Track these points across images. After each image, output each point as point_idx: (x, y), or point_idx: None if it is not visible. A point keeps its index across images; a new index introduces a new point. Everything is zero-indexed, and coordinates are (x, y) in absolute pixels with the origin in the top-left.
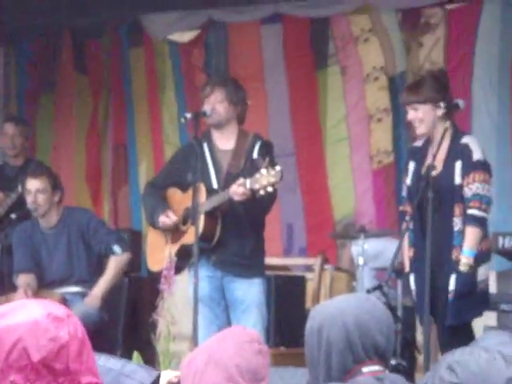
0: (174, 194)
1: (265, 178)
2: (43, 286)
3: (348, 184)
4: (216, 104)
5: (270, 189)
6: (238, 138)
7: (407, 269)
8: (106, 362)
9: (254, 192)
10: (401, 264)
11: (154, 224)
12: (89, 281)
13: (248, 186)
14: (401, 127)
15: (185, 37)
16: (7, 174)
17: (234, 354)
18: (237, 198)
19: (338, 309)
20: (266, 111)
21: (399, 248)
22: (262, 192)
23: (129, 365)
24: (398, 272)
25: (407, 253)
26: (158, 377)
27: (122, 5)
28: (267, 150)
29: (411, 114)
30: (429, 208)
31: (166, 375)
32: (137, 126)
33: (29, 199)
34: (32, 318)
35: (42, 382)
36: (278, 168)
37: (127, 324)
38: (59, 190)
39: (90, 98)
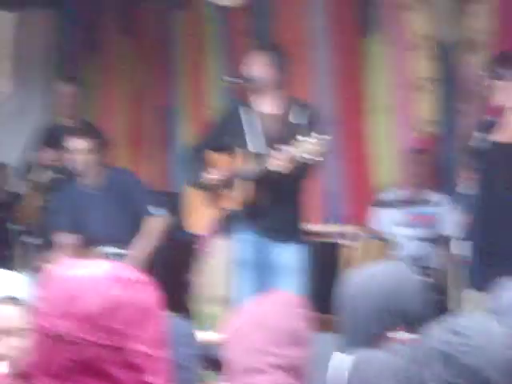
0: (216, 158)
1: (310, 147)
2: (83, 245)
3: (390, 153)
4: (259, 68)
5: (314, 158)
6: (281, 103)
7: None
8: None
9: (297, 160)
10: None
11: (196, 184)
12: (127, 242)
13: (292, 153)
14: (448, 98)
15: (227, 0)
16: (60, 135)
17: (281, 318)
18: (280, 165)
19: (369, 276)
20: (308, 78)
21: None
22: (305, 161)
23: None
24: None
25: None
26: None
27: None
28: (312, 116)
29: (501, 86)
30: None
31: (208, 336)
32: (179, 90)
33: (72, 159)
34: (97, 273)
35: (95, 335)
36: (324, 137)
37: (163, 285)
38: (103, 150)
39: (134, 60)
